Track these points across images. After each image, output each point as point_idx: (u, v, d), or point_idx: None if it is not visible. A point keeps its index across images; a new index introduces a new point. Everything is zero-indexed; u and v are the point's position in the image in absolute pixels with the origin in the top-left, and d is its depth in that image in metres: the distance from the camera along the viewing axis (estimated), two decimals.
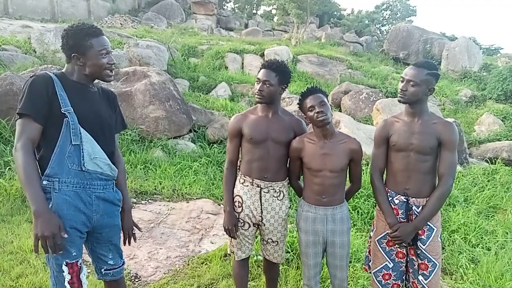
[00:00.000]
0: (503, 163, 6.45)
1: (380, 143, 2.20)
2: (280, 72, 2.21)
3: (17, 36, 10.04)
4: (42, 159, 1.72)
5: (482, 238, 3.94)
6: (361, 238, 3.69)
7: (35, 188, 1.59)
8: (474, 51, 14.62)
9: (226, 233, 2.31)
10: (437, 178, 2.12)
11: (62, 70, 1.84)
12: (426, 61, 2.17)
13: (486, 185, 5.39)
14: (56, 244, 1.58)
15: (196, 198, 4.62)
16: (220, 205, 4.45)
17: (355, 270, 3.05)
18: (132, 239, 2.07)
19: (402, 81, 2.10)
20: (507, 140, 7.89)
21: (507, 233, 3.99)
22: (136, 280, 2.97)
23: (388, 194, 2.17)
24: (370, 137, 6.11)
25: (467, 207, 4.65)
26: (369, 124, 7.84)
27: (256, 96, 2.21)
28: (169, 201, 4.52)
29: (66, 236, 1.63)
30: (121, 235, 2.01)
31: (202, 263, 3.23)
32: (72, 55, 1.77)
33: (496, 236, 3.95)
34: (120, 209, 1.97)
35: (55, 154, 1.69)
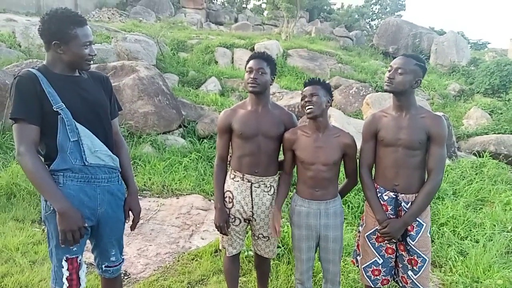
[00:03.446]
0: (491, 156, 6.53)
1: (368, 138, 2.18)
2: (270, 62, 2.20)
3: (1, 30, 9.79)
4: (46, 157, 1.73)
5: (470, 230, 3.98)
6: (352, 232, 3.70)
7: (52, 188, 1.64)
8: (462, 45, 14.75)
9: (218, 230, 2.29)
10: (426, 173, 2.10)
11: (44, 63, 1.76)
12: (415, 54, 2.17)
13: (474, 178, 5.45)
14: (78, 236, 1.67)
15: (186, 194, 4.57)
16: (210, 200, 4.42)
17: (345, 264, 3.06)
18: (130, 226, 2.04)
19: (390, 70, 2.07)
20: (494, 133, 7.99)
21: (494, 226, 4.04)
22: (126, 277, 2.93)
23: (377, 190, 2.15)
24: (360, 131, 6.09)
25: (455, 200, 4.69)
26: (359, 118, 7.86)
27: (249, 85, 2.13)
28: (158, 197, 4.47)
29: (87, 225, 1.73)
30: (125, 225, 2.01)
31: (193, 259, 3.20)
32: (54, 42, 1.68)
33: (484, 228, 3.99)
34: (124, 201, 1.96)
35: (58, 152, 1.69)
